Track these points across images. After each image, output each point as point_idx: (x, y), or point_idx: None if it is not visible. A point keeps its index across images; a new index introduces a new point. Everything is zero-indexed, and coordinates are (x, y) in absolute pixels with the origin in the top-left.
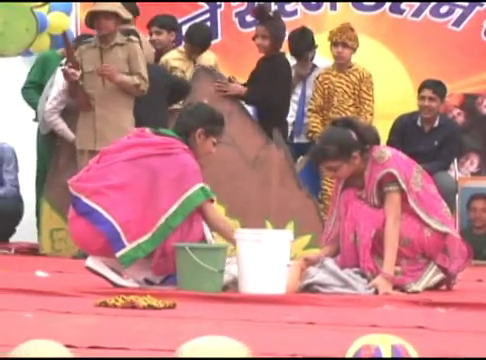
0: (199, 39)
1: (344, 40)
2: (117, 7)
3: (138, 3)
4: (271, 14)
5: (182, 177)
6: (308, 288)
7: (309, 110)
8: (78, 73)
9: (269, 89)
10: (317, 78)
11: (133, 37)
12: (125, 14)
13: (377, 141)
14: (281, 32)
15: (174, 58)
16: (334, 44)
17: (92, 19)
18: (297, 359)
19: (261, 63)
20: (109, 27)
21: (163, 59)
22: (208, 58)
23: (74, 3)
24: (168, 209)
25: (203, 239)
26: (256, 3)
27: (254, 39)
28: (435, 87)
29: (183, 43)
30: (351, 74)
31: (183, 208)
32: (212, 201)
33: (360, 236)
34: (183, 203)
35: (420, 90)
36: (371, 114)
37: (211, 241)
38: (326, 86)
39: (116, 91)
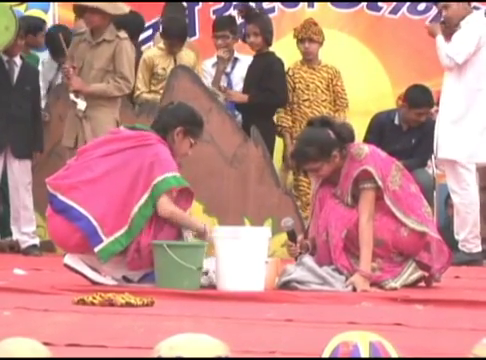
0: (176, 31)
1: (310, 35)
2: (104, 4)
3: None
4: (257, 11)
5: (153, 166)
6: (286, 285)
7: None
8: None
9: (270, 87)
10: (286, 72)
11: (122, 34)
12: (113, 10)
13: (353, 137)
14: (270, 27)
15: (155, 55)
16: (301, 41)
17: (82, 12)
18: (275, 358)
19: (257, 62)
20: (94, 22)
21: (145, 56)
22: (188, 57)
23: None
24: (140, 199)
25: (178, 232)
26: (234, 3)
27: (244, 39)
28: (432, 102)
29: (162, 41)
30: (321, 70)
31: (152, 197)
32: (178, 191)
33: (331, 236)
34: (151, 191)
35: (416, 105)
36: (347, 106)
37: (187, 237)
38: (297, 81)
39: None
